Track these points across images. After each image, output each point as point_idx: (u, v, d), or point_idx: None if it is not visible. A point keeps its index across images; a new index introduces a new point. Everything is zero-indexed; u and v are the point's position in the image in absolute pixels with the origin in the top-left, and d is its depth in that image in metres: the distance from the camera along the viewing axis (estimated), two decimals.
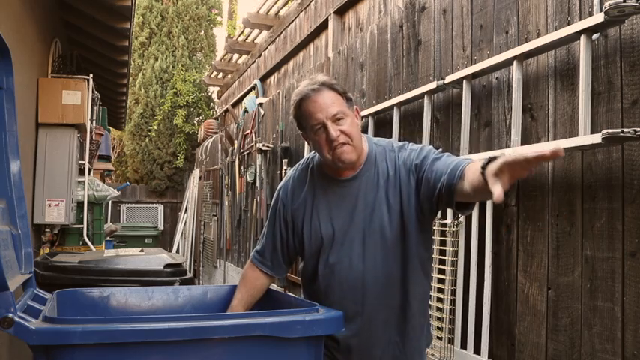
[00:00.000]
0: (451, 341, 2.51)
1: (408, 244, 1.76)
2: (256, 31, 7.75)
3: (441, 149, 1.80)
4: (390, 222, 1.74)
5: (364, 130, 3.30)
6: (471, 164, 1.55)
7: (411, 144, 1.83)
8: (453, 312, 2.51)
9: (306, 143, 4.38)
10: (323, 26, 5.54)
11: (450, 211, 2.56)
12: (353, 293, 1.78)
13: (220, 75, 10.41)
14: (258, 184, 5.86)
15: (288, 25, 6.64)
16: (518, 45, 2.25)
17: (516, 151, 2.13)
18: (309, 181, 1.88)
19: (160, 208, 11.74)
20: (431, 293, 2.39)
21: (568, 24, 2.03)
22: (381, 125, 3.33)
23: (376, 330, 1.78)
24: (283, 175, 4.95)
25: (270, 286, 2.01)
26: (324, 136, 1.73)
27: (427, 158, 1.72)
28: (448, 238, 2.53)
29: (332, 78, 1.84)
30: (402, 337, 1.80)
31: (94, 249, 4.73)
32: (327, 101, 1.73)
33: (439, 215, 2.52)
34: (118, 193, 5.97)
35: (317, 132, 1.75)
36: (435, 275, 2.56)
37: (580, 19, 1.97)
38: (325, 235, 1.81)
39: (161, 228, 11.29)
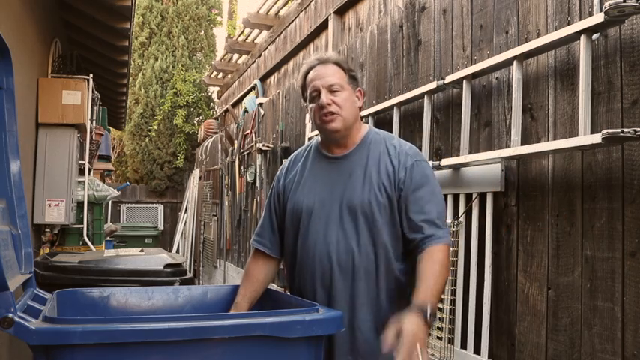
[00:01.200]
0: (451, 341, 2.51)
1: (379, 229, 1.77)
2: (256, 31, 7.75)
3: (429, 167, 1.84)
4: (369, 205, 1.77)
5: None
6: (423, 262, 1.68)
7: (408, 145, 1.87)
8: (453, 312, 2.51)
9: (306, 142, 4.38)
10: (323, 26, 5.54)
11: (449, 211, 2.56)
12: (322, 269, 1.80)
13: (220, 75, 10.41)
14: (258, 184, 5.86)
15: (288, 25, 6.64)
16: (518, 45, 2.25)
17: (517, 150, 2.14)
18: (304, 158, 1.98)
19: (160, 208, 11.74)
20: None
21: (568, 24, 2.03)
22: (381, 125, 3.33)
23: (347, 307, 1.77)
24: None
25: (269, 286, 2.02)
26: (318, 103, 1.83)
27: (417, 189, 1.77)
28: None
29: (341, 56, 1.90)
30: (379, 321, 1.75)
31: (94, 249, 4.73)
32: (328, 72, 1.84)
33: None
34: (118, 193, 5.97)
35: (313, 99, 1.85)
36: None
37: (580, 19, 1.97)
38: (305, 208, 1.85)
39: (161, 228, 11.29)
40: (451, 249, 2.51)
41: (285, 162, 2.06)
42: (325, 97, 1.81)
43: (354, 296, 1.77)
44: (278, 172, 2.05)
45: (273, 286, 2.30)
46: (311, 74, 1.87)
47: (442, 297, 2.53)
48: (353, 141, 1.87)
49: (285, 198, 1.95)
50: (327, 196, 1.83)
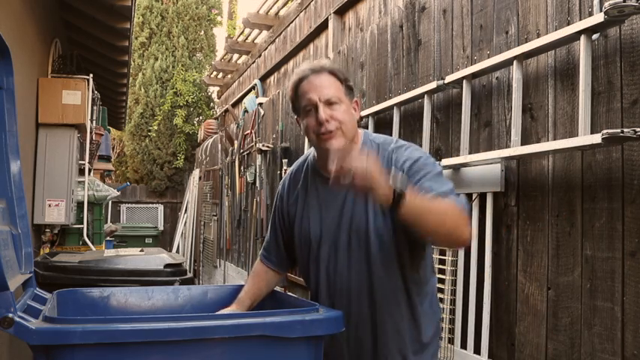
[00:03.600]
0: (451, 341, 2.51)
1: (389, 248, 1.68)
2: (256, 31, 7.75)
3: (435, 163, 1.70)
4: (374, 223, 1.67)
5: None
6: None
7: (409, 148, 1.72)
8: (453, 312, 2.51)
9: (306, 141, 4.38)
10: (323, 26, 5.54)
11: None
12: (339, 295, 1.74)
13: (220, 75, 10.41)
14: (258, 184, 5.86)
15: (288, 25, 6.64)
16: (518, 45, 2.25)
17: (517, 150, 2.14)
18: (303, 177, 1.85)
19: (160, 208, 11.74)
20: None
21: (568, 24, 2.03)
22: (381, 125, 3.33)
23: (372, 332, 1.72)
24: (283, 175, 4.95)
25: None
26: (314, 118, 1.66)
27: (416, 175, 1.62)
28: None
29: (336, 64, 1.77)
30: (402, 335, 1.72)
31: (94, 249, 4.73)
32: (324, 83, 1.67)
33: None
34: (118, 193, 5.97)
35: (308, 113, 1.68)
36: (436, 275, 2.56)
37: (580, 19, 1.97)
38: (313, 236, 1.77)
39: (161, 228, 11.29)
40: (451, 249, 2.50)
41: (285, 177, 1.94)
42: (323, 112, 1.64)
43: (375, 323, 1.71)
44: (280, 188, 1.94)
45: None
46: (304, 85, 1.69)
47: (442, 297, 2.53)
48: None
49: (290, 220, 1.86)
50: (332, 222, 1.74)
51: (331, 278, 1.75)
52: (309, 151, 1.89)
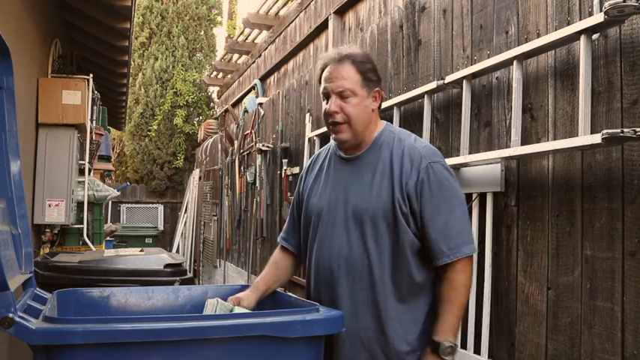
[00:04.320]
0: None
1: (384, 237, 1.70)
2: (256, 31, 7.75)
3: (457, 190, 1.74)
4: (373, 212, 1.69)
5: None
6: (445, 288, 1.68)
7: (438, 165, 1.71)
8: None
9: (306, 141, 4.38)
10: (323, 26, 5.54)
11: None
12: (325, 275, 1.76)
13: (220, 75, 10.41)
14: (258, 184, 5.86)
15: (288, 25, 6.64)
16: (518, 45, 2.25)
17: (517, 150, 2.14)
18: (323, 159, 1.92)
19: (160, 208, 11.75)
20: None
21: (568, 24, 2.03)
22: None
23: (352, 314, 1.72)
24: (283, 175, 4.95)
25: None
26: (327, 107, 1.75)
27: (436, 205, 1.67)
28: None
29: (363, 53, 1.78)
30: (381, 330, 1.71)
31: (94, 249, 4.73)
32: (341, 74, 1.72)
33: None
34: (118, 193, 5.98)
35: (325, 100, 1.77)
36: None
37: (580, 19, 1.97)
38: (316, 211, 1.82)
39: (161, 228, 11.30)
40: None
41: (309, 160, 2.00)
42: (333, 104, 1.71)
43: (356, 303, 1.72)
44: (302, 171, 2.01)
45: None
46: (325, 72, 1.76)
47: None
48: (366, 142, 1.78)
49: (304, 199, 1.92)
50: (334, 200, 1.78)
51: (322, 257, 1.78)
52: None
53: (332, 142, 1.90)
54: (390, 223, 1.69)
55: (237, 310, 1.79)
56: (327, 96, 1.75)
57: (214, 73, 10.41)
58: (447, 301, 1.67)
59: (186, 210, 10.00)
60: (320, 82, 1.80)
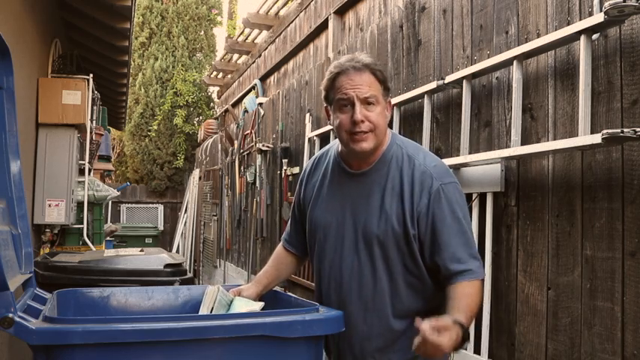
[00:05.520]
0: None
1: (394, 261, 1.67)
2: (256, 31, 7.75)
3: (465, 208, 1.70)
4: (384, 236, 1.66)
5: None
6: (456, 292, 1.59)
7: (451, 186, 1.67)
8: None
9: (306, 141, 4.38)
10: (323, 26, 5.55)
11: None
12: (336, 294, 1.74)
13: (220, 75, 10.41)
14: (258, 184, 5.86)
15: (288, 25, 6.64)
16: (518, 45, 2.25)
17: (517, 150, 2.14)
18: (324, 166, 1.84)
19: (160, 208, 11.75)
20: None
21: (568, 24, 2.03)
22: None
23: (356, 329, 1.71)
24: (283, 175, 4.95)
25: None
26: (349, 115, 1.64)
27: (436, 216, 1.63)
28: None
29: (377, 62, 1.73)
30: (383, 344, 1.70)
31: (94, 249, 4.73)
32: (365, 82, 1.64)
33: None
34: (118, 193, 5.97)
35: (342, 108, 1.65)
36: None
37: (580, 19, 1.97)
38: (323, 226, 1.78)
39: (161, 228, 11.30)
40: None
41: (309, 162, 1.94)
42: (360, 112, 1.62)
43: (367, 325, 1.70)
44: (302, 174, 1.95)
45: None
46: (343, 79, 1.65)
47: None
48: (374, 156, 1.70)
49: (305, 207, 1.88)
50: (343, 217, 1.73)
51: (333, 276, 1.75)
52: (335, 142, 1.86)
53: (333, 151, 1.84)
54: (401, 247, 1.66)
55: (238, 300, 1.80)
56: (347, 103, 1.64)
57: (214, 73, 10.41)
58: (464, 297, 1.58)
59: (186, 210, 10.00)
60: (330, 89, 1.70)
